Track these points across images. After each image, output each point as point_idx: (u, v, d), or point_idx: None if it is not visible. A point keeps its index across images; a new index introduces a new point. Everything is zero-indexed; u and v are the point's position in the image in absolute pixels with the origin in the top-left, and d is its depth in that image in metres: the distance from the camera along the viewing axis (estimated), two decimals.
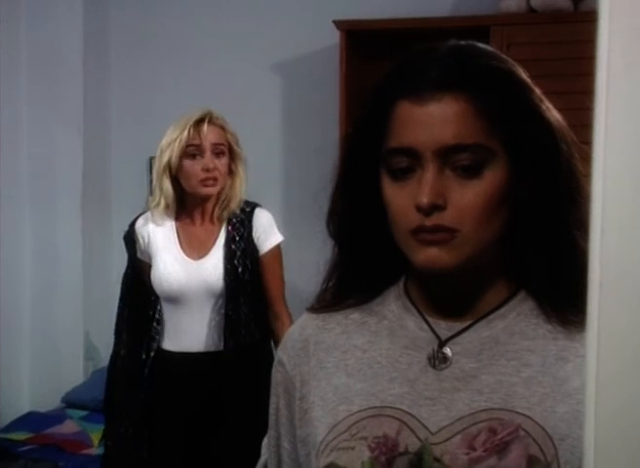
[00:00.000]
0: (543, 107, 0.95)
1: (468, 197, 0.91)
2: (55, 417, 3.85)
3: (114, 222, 4.14)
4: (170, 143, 2.61)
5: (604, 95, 0.46)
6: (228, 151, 2.67)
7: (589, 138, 0.48)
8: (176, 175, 2.63)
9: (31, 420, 3.84)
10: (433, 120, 0.90)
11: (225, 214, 2.67)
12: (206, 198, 2.65)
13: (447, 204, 0.91)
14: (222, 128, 2.66)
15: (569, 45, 3.07)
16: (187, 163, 2.61)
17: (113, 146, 4.27)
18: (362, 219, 1.00)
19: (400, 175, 0.93)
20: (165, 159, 2.61)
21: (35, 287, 4.16)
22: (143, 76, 4.18)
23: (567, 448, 0.90)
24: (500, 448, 0.90)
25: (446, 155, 0.90)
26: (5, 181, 4.06)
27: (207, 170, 2.58)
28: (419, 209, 0.91)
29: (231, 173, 2.68)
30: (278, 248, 2.71)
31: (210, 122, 2.63)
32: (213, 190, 2.62)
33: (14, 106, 4.06)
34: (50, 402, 4.04)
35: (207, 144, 2.61)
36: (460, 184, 0.91)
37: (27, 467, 3.32)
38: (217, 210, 2.67)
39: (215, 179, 2.61)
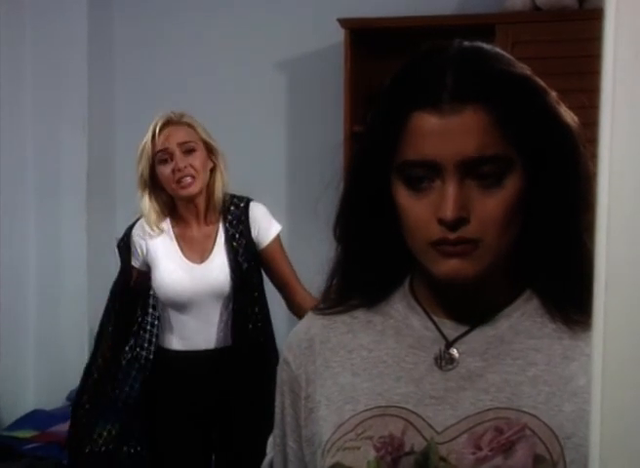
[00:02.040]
0: (561, 111, 0.94)
1: (490, 208, 0.90)
2: (59, 415, 3.85)
3: (119, 221, 4.14)
4: (140, 155, 2.62)
5: (610, 93, 0.46)
6: (205, 147, 2.64)
7: (595, 137, 0.48)
8: (159, 183, 2.62)
9: (36, 418, 3.84)
10: (454, 132, 0.89)
11: (217, 213, 2.66)
12: (190, 199, 2.62)
13: (470, 216, 0.90)
14: (189, 125, 2.63)
15: (574, 43, 3.06)
16: (160, 168, 2.60)
17: (118, 146, 4.27)
18: (370, 224, 0.99)
19: (417, 184, 0.92)
20: (138, 172, 2.62)
21: (40, 285, 4.16)
22: (148, 75, 4.18)
23: (573, 447, 0.90)
24: (507, 448, 0.90)
25: (467, 167, 0.89)
26: (9, 181, 4.06)
27: (178, 170, 2.56)
28: (442, 222, 0.90)
29: (213, 167, 2.66)
30: (278, 237, 2.71)
31: (172, 123, 2.61)
32: (192, 190, 2.59)
33: (18, 106, 4.06)
34: (55, 400, 4.04)
35: (173, 146, 2.58)
36: (481, 195, 0.90)
37: (32, 465, 3.33)
38: (209, 211, 2.66)
39: (191, 177, 2.57)
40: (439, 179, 0.90)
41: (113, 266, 4.08)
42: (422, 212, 0.91)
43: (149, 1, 4.18)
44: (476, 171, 0.90)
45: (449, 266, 0.91)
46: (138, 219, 2.72)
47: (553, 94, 0.95)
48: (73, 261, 4.13)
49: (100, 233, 4.16)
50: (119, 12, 4.21)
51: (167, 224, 2.67)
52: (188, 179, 2.57)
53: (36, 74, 4.09)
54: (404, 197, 0.93)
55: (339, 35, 3.58)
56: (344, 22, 3.56)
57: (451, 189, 0.89)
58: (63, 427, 3.72)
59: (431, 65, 0.92)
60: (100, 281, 4.17)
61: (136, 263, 2.69)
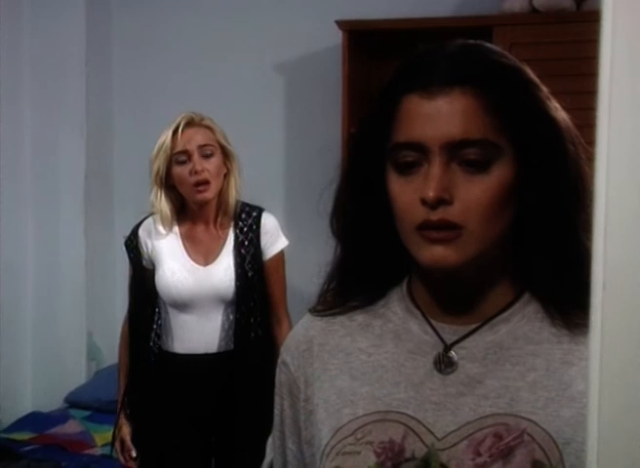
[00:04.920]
0: (551, 106, 0.94)
1: (475, 192, 0.90)
2: (58, 417, 3.85)
3: (117, 223, 4.15)
4: (157, 152, 2.59)
5: (607, 95, 0.46)
6: (221, 151, 2.64)
7: (593, 139, 0.48)
8: (171, 182, 2.62)
9: (34, 420, 3.84)
10: (441, 114, 0.90)
11: (229, 218, 2.65)
12: (204, 203, 2.62)
13: (453, 199, 0.90)
14: (209, 128, 2.62)
15: (572, 45, 3.06)
16: (177, 169, 2.58)
17: (116, 147, 4.27)
18: (366, 217, 0.99)
19: (406, 169, 0.92)
20: (154, 169, 2.60)
21: (38, 287, 4.16)
22: (146, 77, 4.19)
23: (572, 453, 0.89)
24: (505, 454, 0.90)
25: (453, 150, 0.90)
26: (8, 182, 4.06)
27: (195, 172, 2.54)
28: (424, 202, 0.90)
29: (227, 173, 2.65)
30: (282, 252, 2.70)
31: (193, 124, 2.59)
32: (208, 195, 2.58)
33: (17, 107, 4.06)
34: (53, 402, 4.04)
35: (193, 148, 2.56)
36: (466, 180, 0.90)
37: (30, 467, 3.33)
38: (219, 216, 2.64)
39: (206, 182, 2.56)
40: (426, 163, 0.91)
41: (112, 268, 4.10)
42: (409, 195, 0.92)
43: (148, 3, 4.18)
44: (462, 155, 0.90)
45: (432, 253, 0.91)
46: (145, 218, 2.72)
47: (545, 90, 0.95)
48: (71, 263, 4.13)
49: (97, 235, 4.16)
50: (117, 13, 4.22)
51: (175, 224, 2.68)
52: (203, 186, 2.56)
53: (34, 76, 4.09)
54: (394, 183, 0.94)
55: (337, 37, 3.59)
56: (343, 24, 3.56)
57: (435, 169, 0.90)
58: (61, 429, 3.73)
59: (428, 56, 0.94)
60: (98, 283, 4.18)
61: (145, 263, 2.69)
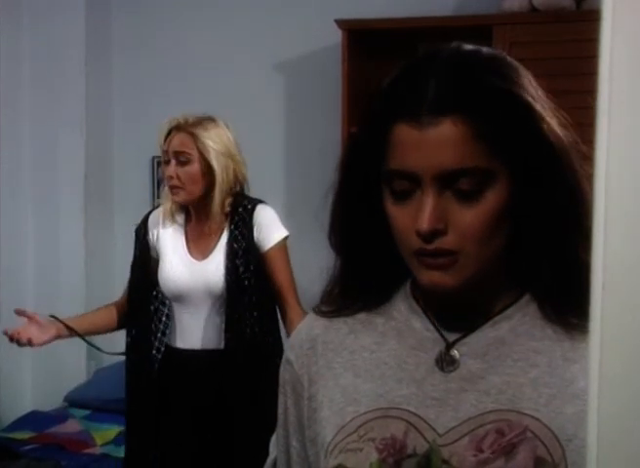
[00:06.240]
0: (544, 126, 0.92)
1: (469, 219, 0.90)
2: (57, 417, 3.85)
3: (116, 222, 4.15)
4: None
5: (607, 94, 0.46)
6: (202, 159, 2.59)
7: (592, 138, 0.48)
8: None
9: (34, 419, 3.84)
10: (432, 145, 0.89)
11: (223, 217, 2.65)
12: (184, 205, 2.68)
13: (448, 227, 0.90)
14: (192, 134, 2.59)
15: (571, 44, 3.06)
16: (163, 167, 2.68)
17: (115, 146, 4.27)
18: (364, 231, 1.00)
19: (401, 196, 0.93)
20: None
21: (38, 286, 4.16)
22: (146, 75, 4.19)
23: (574, 450, 0.90)
24: (508, 450, 0.90)
25: (446, 179, 0.90)
26: (7, 181, 4.07)
27: (169, 177, 2.60)
28: (419, 234, 0.91)
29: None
30: (283, 242, 2.66)
31: (179, 129, 2.60)
32: (178, 199, 2.62)
33: (16, 106, 4.06)
34: (52, 401, 4.04)
35: (170, 152, 2.60)
36: (460, 207, 0.90)
37: (30, 466, 3.32)
38: (210, 217, 2.65)
39: (177, 188, 2.59)
40: (420, 190, 0.91)
41: (111, 267, 4.10)
42: (404, 221, 0.93)
43: (147, 2, 4.18)
44: (456, 183, 0.90)
45: (430, 278, 0.93)
46: (156, 207, 2.80)
47: (538, 108, 0.93)
48: (71, 262, 4.13)
49: (97, 234, 4.16)
50: (117, 13, 4.22)
51: (181, 218, 2.71)
52: (175, 189, 2.61)
53: (34, 75, 4.10)
54: (390, 206, 0.94)
55: (336, 36, 3.59)
56: (342, 24, 3.56)
57: (428, 200, 0.90)
58: (61, 428, 3.73)
59: (416, 76, 0.92)
60: (97, 282, 4.18)
61: (151, 252, 2.73)
